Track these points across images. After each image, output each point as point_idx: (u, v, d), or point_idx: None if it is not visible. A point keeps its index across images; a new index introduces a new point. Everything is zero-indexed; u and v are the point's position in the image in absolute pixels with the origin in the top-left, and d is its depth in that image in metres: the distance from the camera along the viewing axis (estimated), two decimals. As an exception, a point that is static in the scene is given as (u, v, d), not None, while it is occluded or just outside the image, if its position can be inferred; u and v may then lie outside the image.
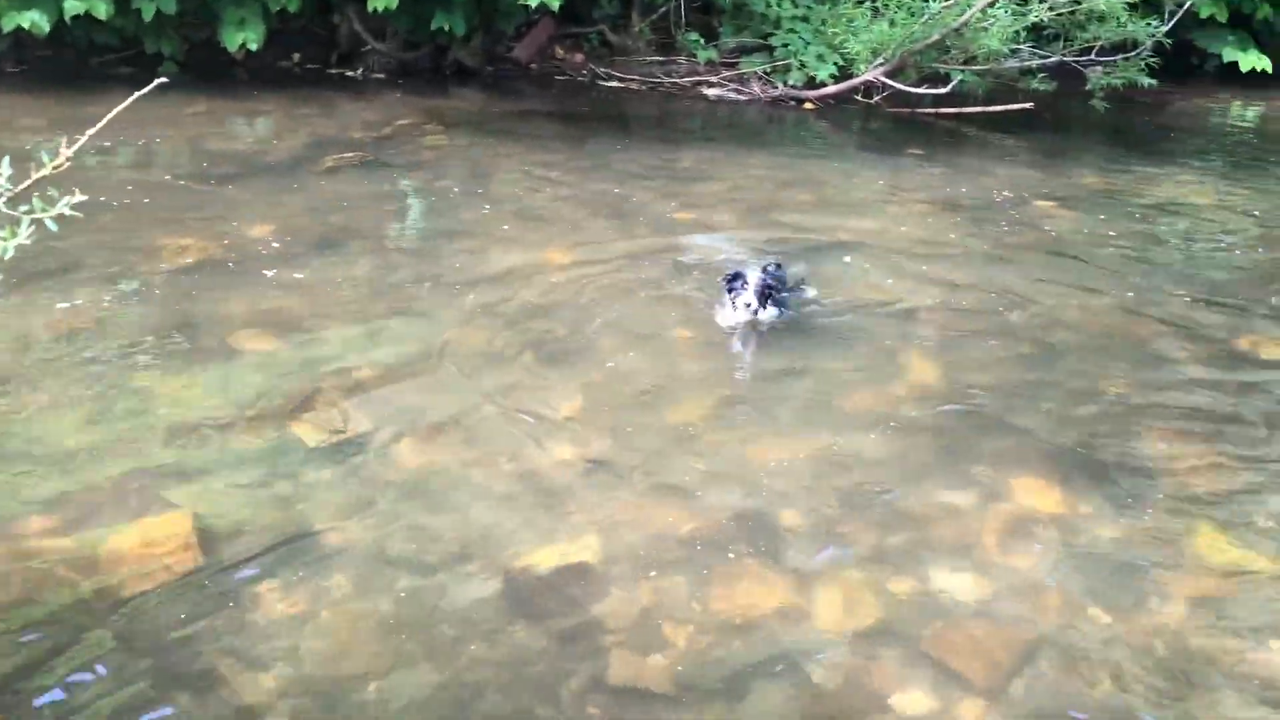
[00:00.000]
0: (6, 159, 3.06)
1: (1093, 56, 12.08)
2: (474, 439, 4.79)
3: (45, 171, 3.07)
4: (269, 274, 6.42)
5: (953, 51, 11.66)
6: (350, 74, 12.34)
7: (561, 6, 11.21)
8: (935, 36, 11.35)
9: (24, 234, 2.97)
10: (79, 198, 3.00)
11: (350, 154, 9.17)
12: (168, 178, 8.27)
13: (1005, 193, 9.13)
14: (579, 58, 13.03)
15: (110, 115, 3.36)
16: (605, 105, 12.06)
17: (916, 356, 5.77)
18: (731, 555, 4.05)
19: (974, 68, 11.79)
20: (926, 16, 11.28)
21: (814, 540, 4.16)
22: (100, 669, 3.39)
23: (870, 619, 3.73)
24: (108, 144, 8.67)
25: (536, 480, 4.50)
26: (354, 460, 4.56)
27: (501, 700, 3.33)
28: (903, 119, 11.88)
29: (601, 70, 12.84)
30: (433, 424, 4.88)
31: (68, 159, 3.09)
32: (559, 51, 13.13)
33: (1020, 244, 7.76)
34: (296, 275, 6.44)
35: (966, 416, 5.14)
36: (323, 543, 4.03)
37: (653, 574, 3.92)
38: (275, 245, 6.90)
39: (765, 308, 5.92)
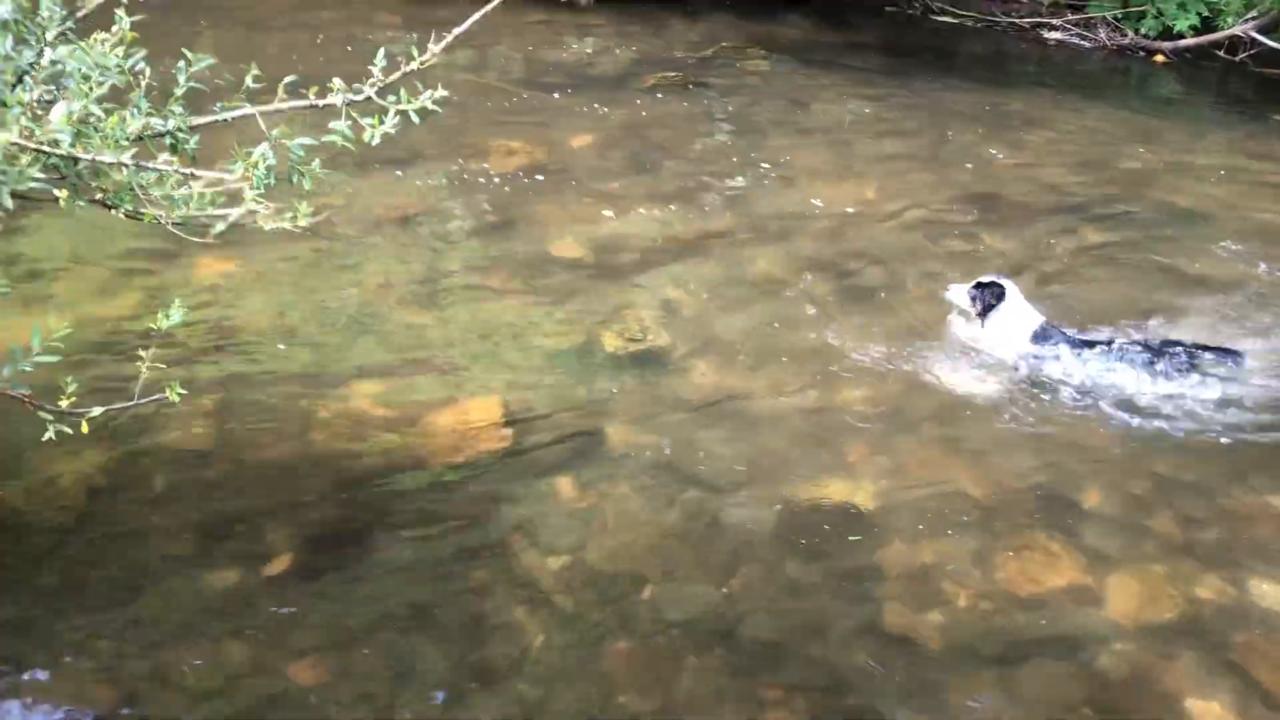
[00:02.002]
0: (382, 51, 3.29)
1: None
2: (767, 367, 4.81)
3: (413, 66, 3.30)
4: (586, 184, 6.65)
5: (1344, 7, 10.29)
6: (679, -7, 12.42)
7: (902, -65, 10.78)
8: (1326, -11, 10.06)
9: (390, 123, 3.19)
10: (442, 93, 3.20)
11: (672, 73, 9.27)
12: (501, 82, 8.69)
13: (1388, 175, 8.04)
14: (911, -11, 12.51)
15: (474, 18, 3.55)
16: (935, 41, 11.55)
17: (1256, 345, 5.24)
18: (1022, 525, 3.88)
19: (1368, 28, 10.37)
20: (1318, -34, 10.00)
21: (1115, 524, 3.92)
22: (405, 530, 3.71)
23: (1170, 615, 3.49)
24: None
25: (826, 417, 4.47)
26: (651, 372, 4.70)
27: (770, 629, 3.37)
28: (1271, 81, 10.65)
29: (935, 4, 12.27)
30: (729, 347, 4.94)
31: (435, 55, 3.29)
32: (892, -19, 12.64)
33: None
34: (611, 188, 6.63)
35: (1308, 416, 4.64)
36: (615, 446, 4.20)
37: (936, 530, 3.82)
38: (594, 157, 7.14)
39: (982, 323, 4.97)
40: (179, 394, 3.13)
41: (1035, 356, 4.88)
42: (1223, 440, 4.43)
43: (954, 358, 4.98)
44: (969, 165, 7.53)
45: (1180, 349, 4.84)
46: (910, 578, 3.59)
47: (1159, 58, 11.18)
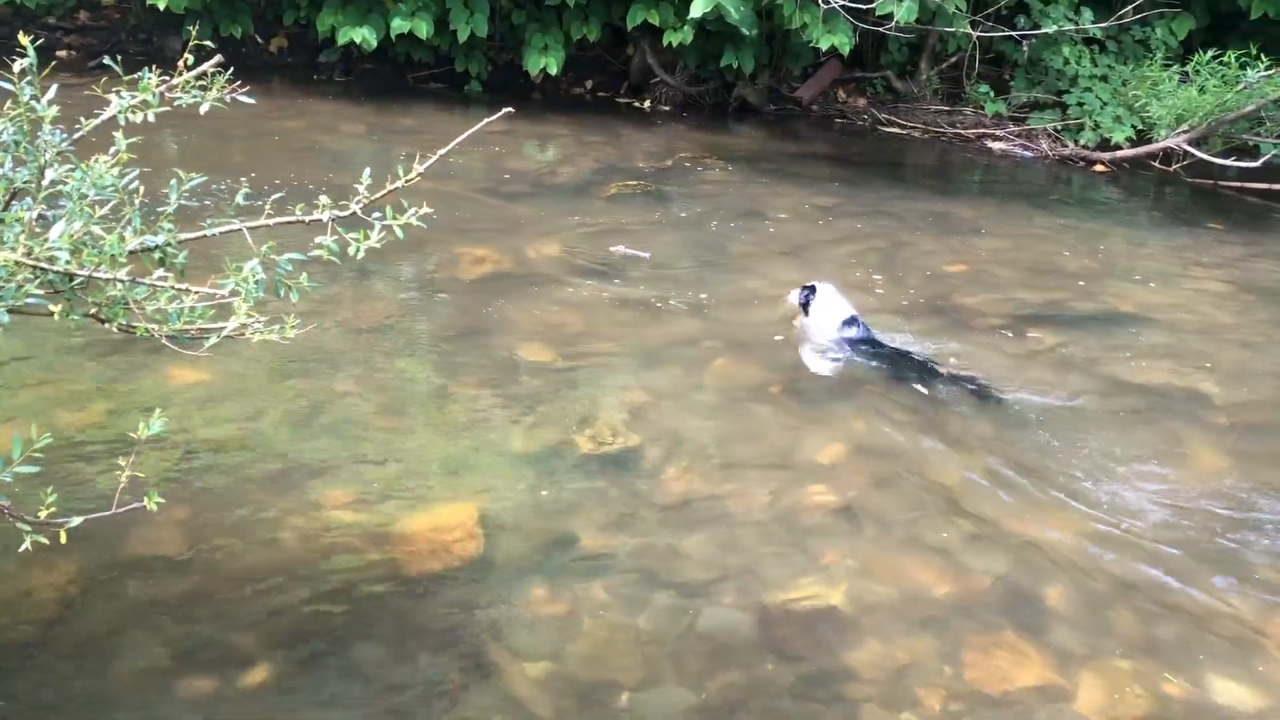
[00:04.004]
0: (368, 170, 3.42)
1: None
2: (736, 468, 4.90)
3: (399, 184, 3.42)
4: (552, 290, 6.79)
5: (1268, 124, 10.88)
6: (637, 105, 12.84)
7: (850, 51, 11.27)
8: (1250, 107, 10.65)
9: (375, 238, 3.30)
10: (426, 210, 3.32)
11: (633, 182, 9.54)
12: (465, 190, 8.89)
13: (1317, 279, 8.43)
14: (861, 102, 13.03)
15: (461, 138, 3.70)
16: (884, 151, 12.00)
17: (1204, 445, 5.44)
18: (989, 624, 3.97)
19: (1290, 142, 10.96)
20: (1243, 85, 10.59)
21: (1079, 621, 4.01)
22: (381, 640, 3.70)
23: (1137, 712, 3.56)
24: (415, 154, 9.39)
25: (793, 519, 4.56)
26: (621, 475, 4.77)
27: (749, 731, 3.40)
28: (1203, 190, 11.19)
29: (883, 115, 12.79)
30: (696, 449, 5.03)
31: (419, 174, 3.42)
32: (841, 94, 13.17)
33: (1331, 335, 7.15)
34: (577, 294, 6.78)
35: (1259, 514, 4.80)
36: (588, 550, 4.24)
37: (906, 630, 3.89)
38: (560, 263, 7.30)
39: (805, 314, 6.42)
40: (157, 503, 3.14)
41: (845, 339, 6.21)
42: (1174, 533, 4.58)
43: (914, 459, 5.10)
44: (921, 271, 7.79)
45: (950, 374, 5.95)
46: (884, 679, 3.64)
47: (1099, 167, 11.70)
